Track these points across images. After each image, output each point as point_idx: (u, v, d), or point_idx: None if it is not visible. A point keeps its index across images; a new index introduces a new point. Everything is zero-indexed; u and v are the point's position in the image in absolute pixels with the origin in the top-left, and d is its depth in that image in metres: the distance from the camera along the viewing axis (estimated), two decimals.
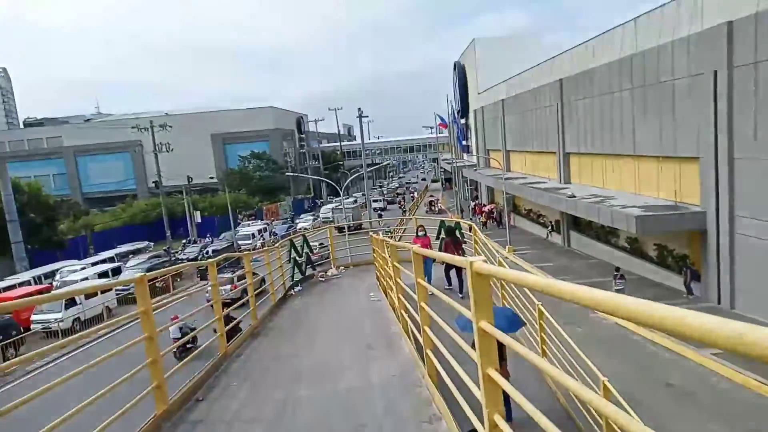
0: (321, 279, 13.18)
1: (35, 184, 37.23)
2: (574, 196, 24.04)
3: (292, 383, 5.91)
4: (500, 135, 41.91)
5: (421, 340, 4.81)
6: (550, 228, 33.07)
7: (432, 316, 4.40)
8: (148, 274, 5.66)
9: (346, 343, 7.26)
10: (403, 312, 6.49)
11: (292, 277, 12.38)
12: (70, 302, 21.66)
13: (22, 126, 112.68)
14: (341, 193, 32.13)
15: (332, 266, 14.13)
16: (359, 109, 30.73)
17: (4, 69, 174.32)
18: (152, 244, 43.10)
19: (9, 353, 18.24)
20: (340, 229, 18.39)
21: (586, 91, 25.85)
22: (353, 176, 52.77)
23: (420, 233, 10.83)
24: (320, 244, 16.12)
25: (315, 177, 56.22)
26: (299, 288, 12.21)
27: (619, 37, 23.95)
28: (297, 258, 12.64)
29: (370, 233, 11.78)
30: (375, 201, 57.09)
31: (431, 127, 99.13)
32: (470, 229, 11.21)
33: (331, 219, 41.79)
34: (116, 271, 30.47)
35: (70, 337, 7.66)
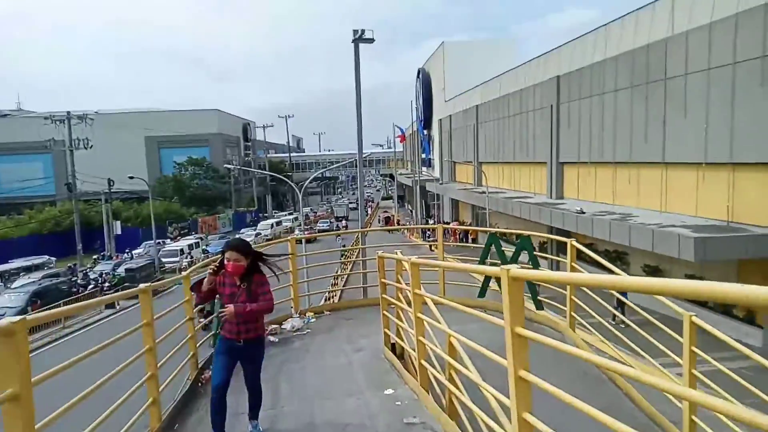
0: (271, 339, 6.88)
1: None
2: (584, 212, 19.57)
3: None
4: (472, 145, 37.56)
5: None
6: None
7: None
8: None
9: None
10: None
11: (214, 337, 5.98)
12: None
13: None
14: (300, 204, 26.60)
15: (293, 312, 7.80)
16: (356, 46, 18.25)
17: None
18: (54, 259, 35.51)
19: None
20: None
21: (593, 87, 21.68)
22: (317, 185, 47.24)
23: None
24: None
25: (276, 174, 49.86)
26: None
27: (632, 24, 19.92)
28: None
29: (378, 253, 6.03)
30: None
31: (381, 145, 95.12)
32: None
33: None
34: None
35: None
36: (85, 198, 46.92)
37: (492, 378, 3.19)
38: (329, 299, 18.19)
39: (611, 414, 1.88)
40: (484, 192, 30.53)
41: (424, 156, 57.40)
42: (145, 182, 37.50)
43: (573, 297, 5.71)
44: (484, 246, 7.09)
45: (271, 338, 6.94)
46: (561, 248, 22.68)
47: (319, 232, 45.10)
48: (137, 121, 66.49)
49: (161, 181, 61.90)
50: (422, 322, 4.22)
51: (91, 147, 40.04)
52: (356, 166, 20.96)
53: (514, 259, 6.58)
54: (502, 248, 6.78)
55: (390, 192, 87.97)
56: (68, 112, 41.67)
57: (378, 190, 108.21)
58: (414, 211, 57.57)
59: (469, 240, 35.63)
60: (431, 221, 50.13)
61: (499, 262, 6.69)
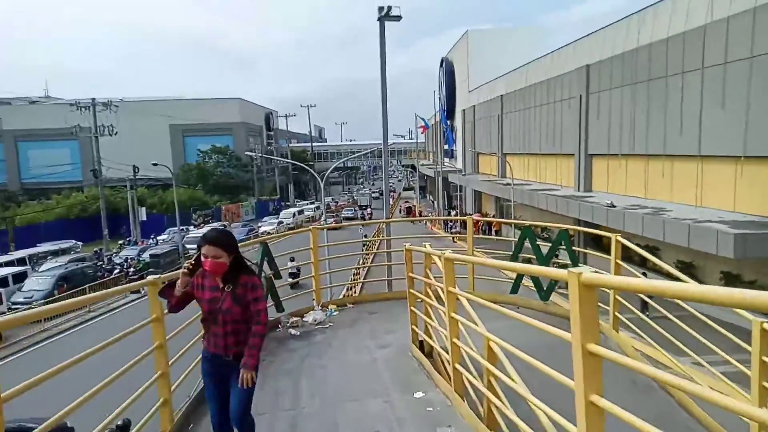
0: (293, 332, 6.71)
1: None
2: (614, 205, 18.99)
3: None
4: (497, 136, 36.91)
5: None
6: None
7: None
8: None
9: None
10: None
11: None
12: None
13: None
14: (322, 193, 26.48)
15: (315, 304, 7.54)
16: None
17: None
18: (80, 243, 36.10)
19: None
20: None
21: (625, 77, 20.95)
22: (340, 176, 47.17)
23: None
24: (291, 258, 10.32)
25: (294, 164, 50.10)
26: None
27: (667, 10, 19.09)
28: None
29: (405, 245, 5.73)
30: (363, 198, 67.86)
31: (402, 135, 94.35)
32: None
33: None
34: (19, 277, 23.82)
35: None
36: (111, 184, 47.57)
37: (526, 380, 2.92)
38: (351, 288, 18.05)
39: (663, 427, 1.68)
40: (508, 184, 29.97)
41: (446, 147, 56.74)
42: (169, 170, 37.82)
43: (617, 296, 5.34)
44: (517, 239, 6.76)
45: (293, 331, 6.74)
46: (588, 242, 22.16)
47: (344, 219, 45.89)
48: (161, 109, 67.09)
49: (185, 168, 62.48)
50: (456, 323, 3.92)
51: (116, 134, 40.46)
52: (379, 155, 20.57)
53: (550, 255, 6.24)
54: (537, 242, 6.43)
55: (411, 183, 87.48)
56: (93, 99, 42.15)
57: (399, 181, 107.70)
58: (436, 203, 57.10)
59: (493, 232, 35.16)
60: (453, 212, 49.63)
61: (528, 257, 6.36)
